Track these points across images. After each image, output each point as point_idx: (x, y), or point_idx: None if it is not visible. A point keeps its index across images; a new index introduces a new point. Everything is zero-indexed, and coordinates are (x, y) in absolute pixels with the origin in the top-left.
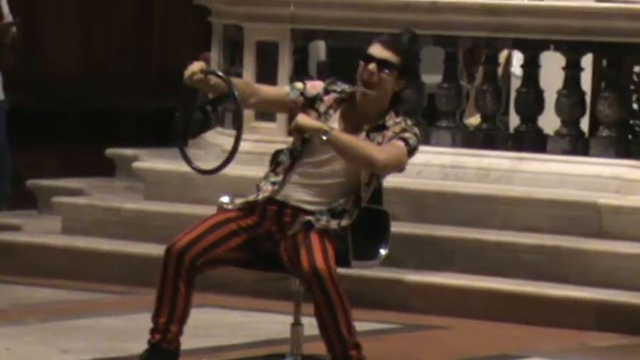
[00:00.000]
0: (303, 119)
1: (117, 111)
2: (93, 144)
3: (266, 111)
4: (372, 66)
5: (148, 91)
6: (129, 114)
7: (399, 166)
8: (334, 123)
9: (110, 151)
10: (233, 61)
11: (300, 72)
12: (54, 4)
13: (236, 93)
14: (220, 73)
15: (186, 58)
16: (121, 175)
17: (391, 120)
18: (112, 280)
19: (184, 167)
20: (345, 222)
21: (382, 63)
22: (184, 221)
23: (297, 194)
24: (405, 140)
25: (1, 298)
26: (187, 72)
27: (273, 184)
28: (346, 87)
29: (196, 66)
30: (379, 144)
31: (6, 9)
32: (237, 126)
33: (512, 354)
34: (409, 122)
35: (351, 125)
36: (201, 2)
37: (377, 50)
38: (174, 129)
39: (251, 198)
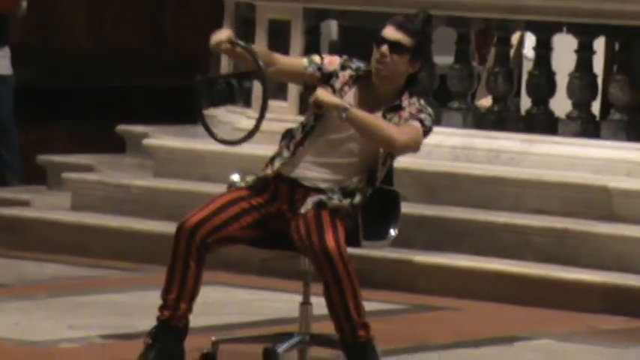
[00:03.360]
0: (322, 94)
1: (128, 88)
2: (103, 120)
3: (281, 81)
4: (384, 48)
5: (160, 68)
6: (140, 91)
7: (415, 147)
8: (349, 100)
9: (120, 128)
10: (245, 39)
11: (311, 51)
12: None
13: (263, 67)
14: (250, 47)
15: (198, 35)
16: (131, 151)
17: (406, 101)
18: (120, 257)
19: (194, 144)
20: (357, 200)
21: (394, 45)
22: (193, 198)
23: (310, 173)
24: (421, 121)
25: (9, 273)
26: (214, 39)
27: (285, 159)
28: (362, 65)
29: (224, 35)
30: (395, 125)
31: None
32: (264, 97)
33: (520, 336)
34: (423, 102)
35: (367, 105)
36: None
37: (389, 32)
38: (195, 100)
39: (262, 174)
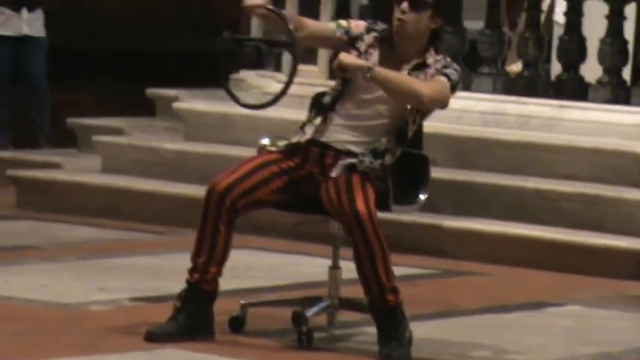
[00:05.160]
0: (345, 57)
1: (159, 51)
2: (134, 84)
3: (311, 46)
4: (404, 5)
5: (191, 31)
6: (171, 54)
7: (443, 102)
8: (374, 62)
9: (151, 91)
10: (275, 3)
11: (342, 15)
12: None
13: (297, 41)
14: (285, 17)
15: None
16: (162, 115)
17: (431, 58)
18: (150, 220)
19: (225, 108)
20: (387, 160)
21: (414, 1)
22: (224, 162)
23: (340, 136)
24: (447, 76)
25: (39, 235)
26: (250, 1)
27: (316, 125)
28: (386, 27)
29: None
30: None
31: None
32: (292, 70)
33: (549, 301)
34: (449, 59)
35: (392, 65)
36: None
37: None
38: (218, 64)
39: (294, 140)
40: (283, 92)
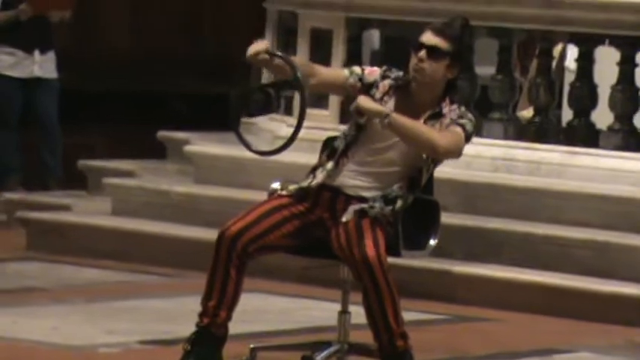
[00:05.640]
0: (364, 101)
1: (169, 94)
2: (144, 126)
3: (323, 93)
4: (422, 53)
5: (202, 75)
6: (181, 97)
7: (458, 152)
8: (390, 109)
9: (161, 134)
10: (287, 48)
11: (353, 60)
12: None
13: (301, 78)
14: (287, 57)
15: (238, 43)
16: (172, 158)
17: (447, 107)
18: (159, 263)
19: (235, 151)
20: (398, 206)
21: (432, 50)
22: (234, 205)
23: (352, 181)
24: (462, 126)
25: (49, 277)
26: (251, 50)
27: (328, 170)
28: (401, 74)
29: (261, 45)
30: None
31: None
32: (301, 109)
33: (558, 348)
34: (463, 109)
35: (407, 113)
36: None
37: (427, 37)
38: (230, 110)
39: (304, 184)
40: (293, 137)
